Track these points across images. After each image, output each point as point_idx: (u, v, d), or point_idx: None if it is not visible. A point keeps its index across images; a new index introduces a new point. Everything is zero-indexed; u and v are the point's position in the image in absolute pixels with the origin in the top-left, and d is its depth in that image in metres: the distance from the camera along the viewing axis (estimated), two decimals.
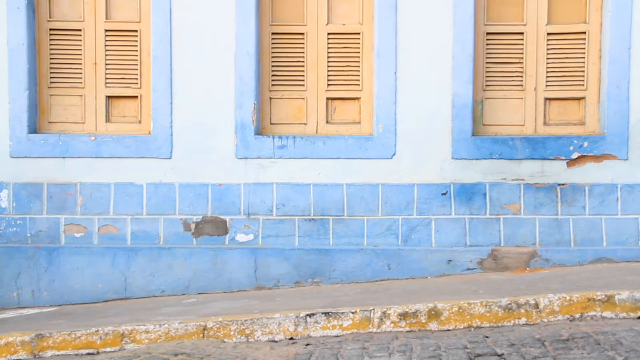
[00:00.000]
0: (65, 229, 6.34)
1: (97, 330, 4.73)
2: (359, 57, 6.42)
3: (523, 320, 4.62)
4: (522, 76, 6.40)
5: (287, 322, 4.72)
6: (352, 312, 4.71)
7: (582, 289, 4.88)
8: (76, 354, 4.67)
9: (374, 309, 4.72)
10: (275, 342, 4.64)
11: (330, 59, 6.43)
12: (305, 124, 6.47)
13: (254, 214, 6.31)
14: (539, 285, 5.26)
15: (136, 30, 6.45)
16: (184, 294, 6.24)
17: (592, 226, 6.22)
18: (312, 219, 6.29)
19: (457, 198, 6.25)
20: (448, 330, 4.63)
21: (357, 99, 6.44)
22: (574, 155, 6.22)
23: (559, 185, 6.24)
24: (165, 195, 6.32)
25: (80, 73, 6.49)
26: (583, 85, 6.38)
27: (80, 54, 6.48)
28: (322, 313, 4.72)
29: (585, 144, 6.21)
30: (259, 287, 6.27)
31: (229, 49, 6.29)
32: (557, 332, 4.27)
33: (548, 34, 6.35)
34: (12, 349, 4.71)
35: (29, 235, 6.35)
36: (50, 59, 6.48)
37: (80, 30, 6.47)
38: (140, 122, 6.50)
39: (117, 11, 6.47)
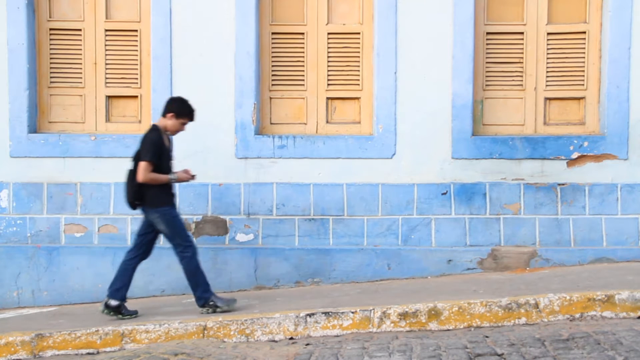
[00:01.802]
0: (65, 228, 6.35)
1: (97, 330, 4.73)
2: (359, 57, 6.42)
3: (523, 320, 4.62)
4: (522, 76, 6.39)
5: (287, 322, 4.71)
6: (352, 312, 4.71)
7: (582, 288, 4.88)
8: (76, 354, 4.67)
9: (374, 309, 4.72)
10: (275, 342, 4.64)
11: (330, 59, 6.42)
12: (305, 123, 6.47)
13: (254, 213, 6.31)
14: (539, 285, 5.26)
15: (136, 30, 6.45)
16: (184, 294, 6.23)
17: (592, 226, 6.22)
18: (312, 219, 6.29)
19: (457, 198, 6.25)
20: (448, 330, 4.62)
21: (357, 98, 6.44)
22: (574, 155, 6.22)
23: (559, 185, 6.24)
24: None
25: (80, 73, 6.49)
26: (583, 85, 6.38)
27: (80, 54, 6.48)
28: (322, 313, 4.72)
29: (585, 143, 6.21)
30: (259, 287, 6.27)
31: (229, 48, 6.29)
32: (557, 332, 4.27)
33: (548, 33, 6.35)
34: (12, 349, 4.71)
35: (29, 235, 6.35)
36: (50, 59, 6.48)
37: (80, 30, 6.47)
38: (140, 122, 6.49)
39: (117, 11, 6.47)
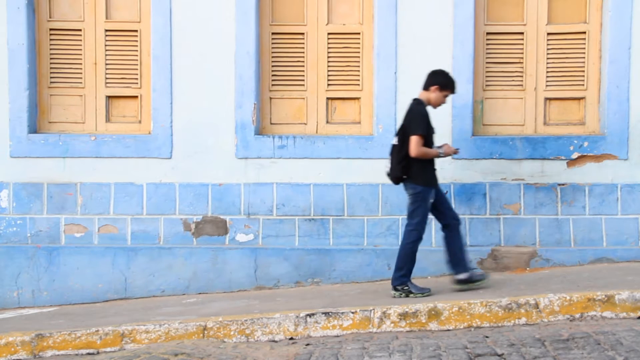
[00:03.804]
0: (65, 229, 6.35)
1: (97, 330, 4.73)
2: (359, 57, 6.42)
3: (523, 320, 4.62)
4: (522, 76, 6.39)
5: (287, 322, 4.71)
6: (352, 312, 4.71)
7: (582, 289, 4.88)
8: (76, 354, 4.67)
9: (374, 309, 4.72)
10: (275, 342, 4.64)
11: (330, 59, 6.42)
12: (305, 124, 6.47)
13: (254, 214, 6.31)
14: (539, 285, 5.27)
15: (136, 30, 6.45)
16: (184, 294, 6.24)
17: (592, 226, 6.22)
18: (312, 219, 6.29)
19: (458, 198, 6.25)
20: (448, 330, 4.63)
21: (357, 99, 6.44)
22: (574, 155, 6.22)
23: (559, 185, 6.24)
24: (165, 195, 6.32)
25: (80, 73, 6.49)
26: (583, 85, 6.37)
27: (80, 54, 6.48)
28: (322, 313, 4.72)
29: (585, 144, 6.21)
30: (259, 287, 6.27)
31: (229, 49, 6.29)
32: (557, 332, 4.27)
33: (548, 34, 6.35)
34: (12, 349, 4.71)
35: (29, 235, 6.35)
36: (50, 59, 6.48)
37: (80, 30, 6.47)
38: (140, 122, 6.50)
39: (117, 11, 6.47)
